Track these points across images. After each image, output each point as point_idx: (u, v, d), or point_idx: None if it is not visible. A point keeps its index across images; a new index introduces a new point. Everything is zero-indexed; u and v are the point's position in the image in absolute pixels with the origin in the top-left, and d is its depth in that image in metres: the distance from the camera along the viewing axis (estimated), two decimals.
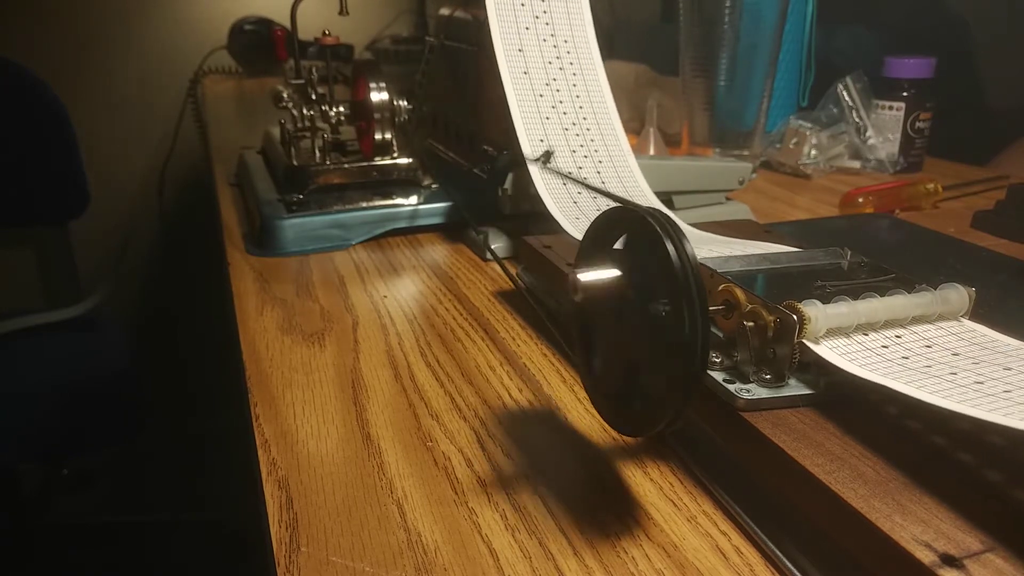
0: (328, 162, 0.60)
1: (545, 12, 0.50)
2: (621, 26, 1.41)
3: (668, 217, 0.23)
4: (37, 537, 1.33)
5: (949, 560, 0.20)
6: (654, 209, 0.24)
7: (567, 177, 0.45)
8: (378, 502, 0.29)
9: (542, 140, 0.47)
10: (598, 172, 0.47)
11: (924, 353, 0.27)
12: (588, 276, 0.25)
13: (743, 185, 0.60)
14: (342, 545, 0.26)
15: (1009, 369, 0.25)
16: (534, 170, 0.46)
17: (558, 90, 0.49)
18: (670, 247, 0.22)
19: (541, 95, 0.48)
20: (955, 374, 0.25)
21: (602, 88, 0.51)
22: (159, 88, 1.58)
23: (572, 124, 0.48)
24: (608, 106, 0.51)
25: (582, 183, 0.42)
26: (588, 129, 0.48)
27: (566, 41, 0.50)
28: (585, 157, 0.48)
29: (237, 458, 0.46)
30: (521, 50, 0.49)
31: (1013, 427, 0.21)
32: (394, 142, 0.61)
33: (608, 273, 0.25)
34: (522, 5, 0.50)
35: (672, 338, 0.23)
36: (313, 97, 0.61)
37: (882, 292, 0.29)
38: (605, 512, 0.28)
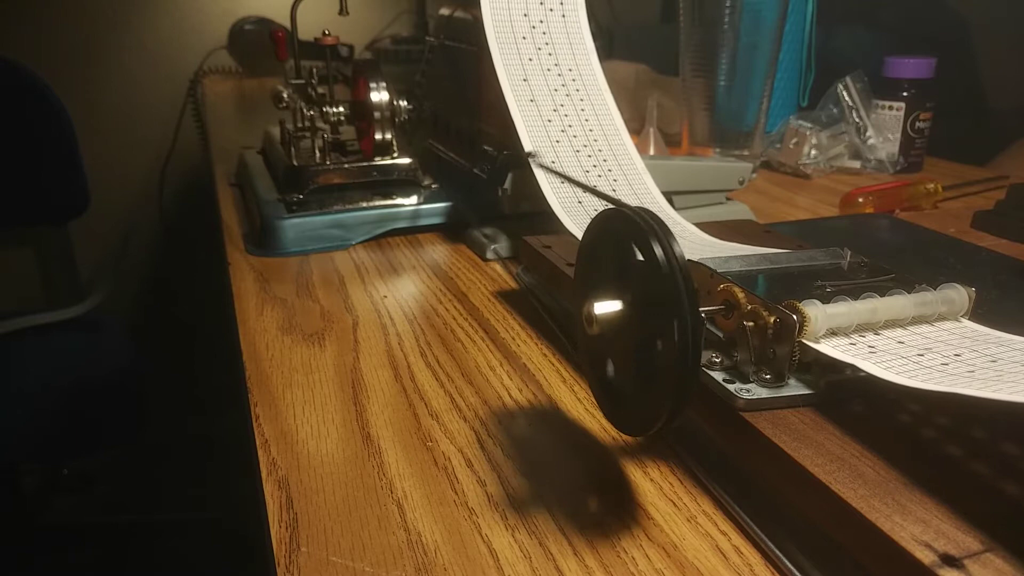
0: (328, 162, 0.60)
1: (547, 44, 0.52)
2: (621, 26, 1.41)
3: (656, 217, 0.23)
4: (37, 537, 1.33)
5: (949, 560, 0.20)
6: (642, 209, 0.24)
7: (569, 180, 0.45)
8: (378, 502, 0.29)
9: (553, 162, 0.48)
10: (614, 191, 0.48)
11: (922, 348, 0.27)
12: (603, 308, 0.25)
13: (743, 185, 0.60)
14: (342, 545, 0.26)
15: (997, 360, 0.25)
16: (539, 171, 0.46)
17: (566, 115, 0.50)
18: (657, 247, 0.22)
19: (549, 120, 0.49)
20: (947, 364, 0.26)
21: (611, 112, 0.52)
22: (159, 88, 1.58)
23: (584, 146, 0.49)
24: (619, 128, 0.51)
25: (578, 183, 0.42)
26: (600, 150, 0.49)
27: (570, 70, 0.52)
28: (599, 177, 0.48)
29: (238, 458, 0.46)
30: (526, 80, 0.50)
31: (1004, 399, 0.21)
32: (394, 142, 0.61)
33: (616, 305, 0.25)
34: (523, 39, 0.51)
35: (665, 338, 0.23)
36: (313, 97, 0.61)
37: (882, 292, 0.29)
38: (605, 512, 0.28)
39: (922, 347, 0.28)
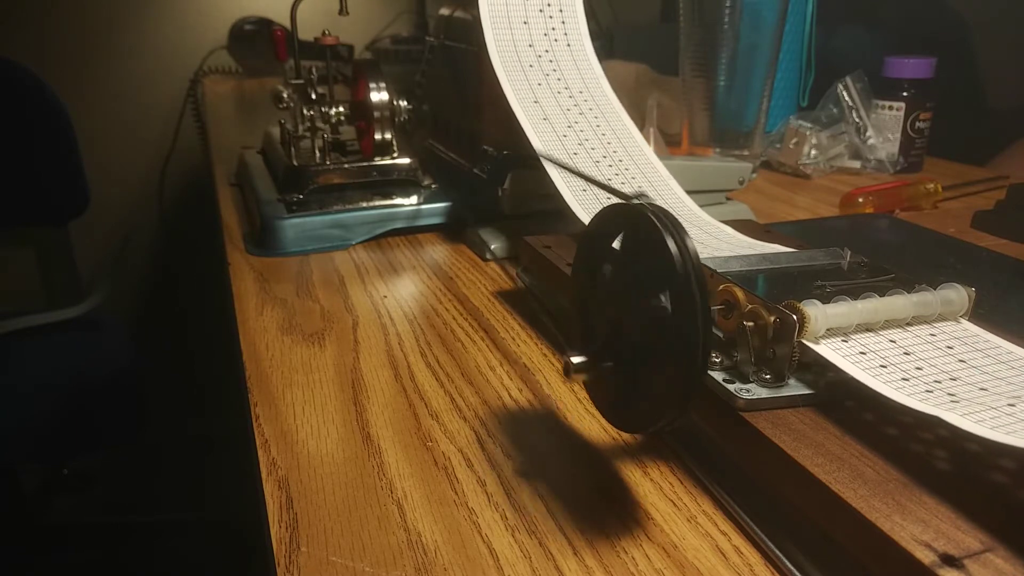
0: (328, 162, 0.60)
1: (555, 71, 0.52)
2: (621, 26, 1.42)
3: (669, 213, 0.23)
4: (37, 537, 1.33)
5: (949, 560, 0.20)
6: (655, 204, 0.24)
7: (584, 176, 0.45)
8: (378, 502, 0.29)
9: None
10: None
11: (923, 356, 0.27)
12: (580, 359, 0.26)
13: (743, 185, 0.60)
14: (342, 545, 0.26)
15: (1013, 383, 0.25)
16: (552, 170, 0.46)
17: (582, 131, 0.50)
18: (671, 243, 0.22)
19: (565, 135, 0.50)
20: (956, 379, 0.25)
21: (627, 126, 0.52)
22: (159, 88, 1.58)
23: (603, 157, 0.49)
24: (637, 140, 0.52)
25: (591, 179, 0.42)
26: (620, 160, 0.49)
27: (581, 92, 0.52)
28: (622, 184, 0.48)
29: (238, 458, 0.46)
30: (536, 101, 0.51)
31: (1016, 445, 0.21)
32: (394, 142, 0.61)
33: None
34: (530, 67, 0.52)
35: (673, 335, 0.22)
36: (313, 97, 0.61)
37: (882, 292, 0.29)
38: (605, 512, 0.28)
39: (921, 350, 0.28)
